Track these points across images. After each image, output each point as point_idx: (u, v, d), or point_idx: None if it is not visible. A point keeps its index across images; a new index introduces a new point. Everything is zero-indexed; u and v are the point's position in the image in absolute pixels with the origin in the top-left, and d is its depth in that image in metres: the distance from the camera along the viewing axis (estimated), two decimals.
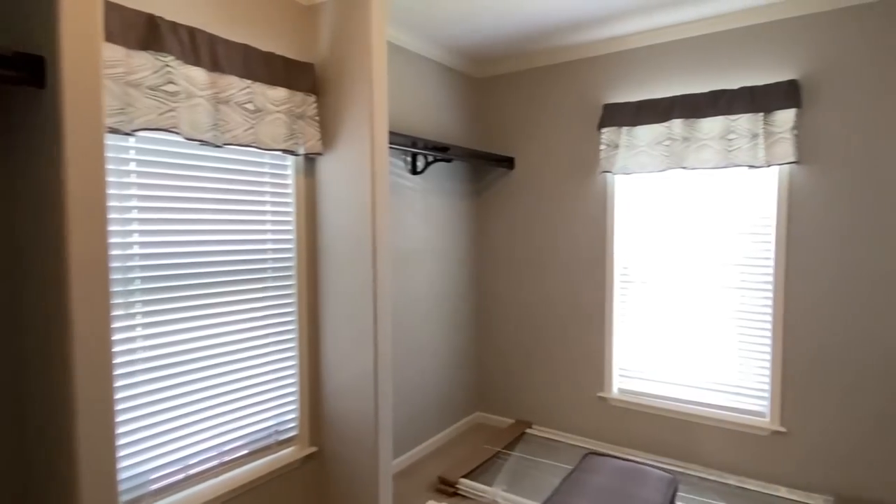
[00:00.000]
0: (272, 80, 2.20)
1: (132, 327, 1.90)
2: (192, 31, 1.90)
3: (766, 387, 2.93)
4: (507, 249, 3.85)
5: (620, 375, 3.43)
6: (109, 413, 1.44)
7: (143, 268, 1.92)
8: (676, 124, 2.99)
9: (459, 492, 2.91)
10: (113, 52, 1.66)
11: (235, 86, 2.05)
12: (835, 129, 2.68)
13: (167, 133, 1.87)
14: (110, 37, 1.66)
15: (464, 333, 3.89)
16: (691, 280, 3.14)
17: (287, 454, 2.48)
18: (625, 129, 3.19)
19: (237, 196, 2.24)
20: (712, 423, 3.07)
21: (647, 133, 3.11)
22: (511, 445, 3.50)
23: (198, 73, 1.92)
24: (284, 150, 2.27)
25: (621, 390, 3.43)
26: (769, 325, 2.91)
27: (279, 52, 2.33)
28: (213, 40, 1.98)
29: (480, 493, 2.85)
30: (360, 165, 2.33)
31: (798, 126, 2.75)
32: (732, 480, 2.95)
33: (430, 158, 3.30)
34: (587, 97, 3.43)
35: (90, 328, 1.38)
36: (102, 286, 1.40)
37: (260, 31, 2.26)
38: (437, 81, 3.52)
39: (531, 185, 3.71)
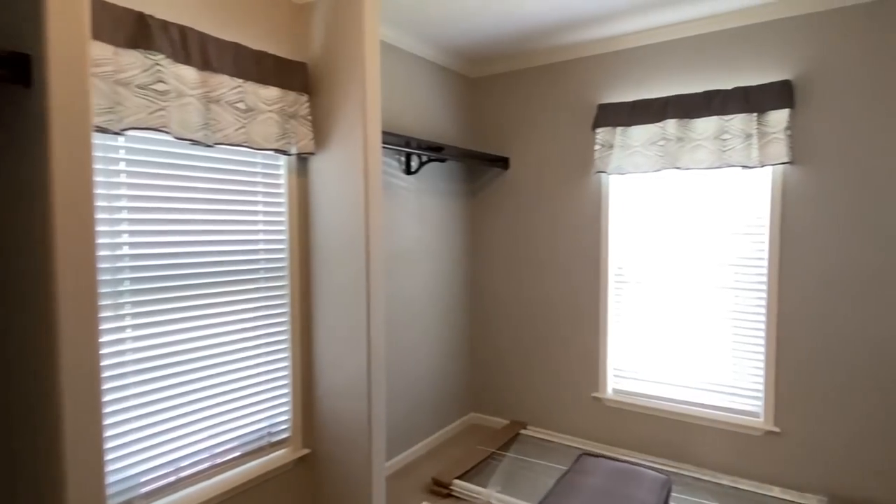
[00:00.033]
0: (264, 80, 2.18)
1: (122, 328, 1.88)
2: (182, 30, 1.88)
3: (760, 387, 2.93)
4: (501, 250, 3.85)
5: (615, 376, 3.43)
6: (97, 415, 1.42)
7: (132, 268, 1.90)
8: (671, 124, 2.98)
9: (453, 493, 2.90)
10: (101, 51, 1.64)
11: (226, 85, 2.04)
12: (827, 129, 2.69)
13: (157, 132, 1.85)
14: (99, 35, 1.64)
15: (458, 334, 3.88)
16: (685, 280, 3.14)
17: (280, 456, 2.46)
18: (619, 129, 3.18)
19: (229, 196, 2.22)
20: (706, 424, 3.07)
21: (641, 133, 3.11)
22: (506, 446, 3.49)
23: (188, 72, 1.90)
24: (276, 150, 2.25)
25: (616, 390, 3.43)
26: (763, 326, 2.91)
27: (271, 50, 2.31)
28: (203, 39, 1.96)
29: (474, 495, 2.84)
30: (353, 165, 2.31)
31: (791, 126, 2.76)
32: (726, 480, 2.95)
33: (425, 158, 3.29)
34: (582, 97, 3.43)
35: (77, 329, 1.37)
36: (90, 286, 1.39)
37: (252, 29, 2.24)
38: (432, 81, 3.51)
39: (526, 186, 3.70)
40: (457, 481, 2.92)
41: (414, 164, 3.30)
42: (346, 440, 2.43)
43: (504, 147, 3.79)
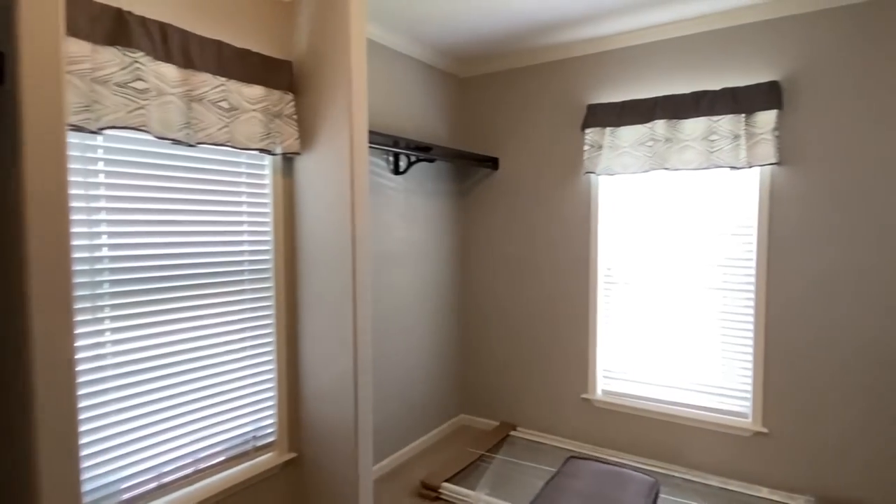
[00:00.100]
0: (248, 78, 2.15)
1: (101, 332, 1.84)
2: (162, 27, 1.85)
3: (748, 388, 2.94)
4: (491, 250, 3.83)
5: (604, 377, 3.42)
6: (72, 421, 1.38)
7: (112, 270, 1.86)
8: (659, 125, 2.98)
9: (442, 496, 2.88)
10: (78, 48, 1.60)
11: (209, 83, 2.00)
12: (815, 130, 2.70)
13: (137, 132, 1.82)
14: (75, 32, 1.60)
15: (447, 335, 3.86)
16: (674, 281, 3.13)
17: (265, 460, 2.43)
18: (608, 129, 3.18)
19: (212, 196, 2.19)
20: (695, 425, 3.07)
21: (630, 134, 3.10)
22: (495, 448, 3.47)
23: (169, 70, 1.86)
24: (261, 150, 2.22)
25: (605, 392, 3.42)
26: (751, 326, 2.91)
27: (255, 48, 2.28)
28: (185, 36, 1.92)
29: (463, 498, 2.82)
30: (339, 165, 2.28)
31: (779, 127, 2.76)
32: (715, 481, 2.95)
33: (413, 158, 3.26)
34: (571, 97, 3.42)
35: (51, 331, 1.33)
36: (64, 289, 1.35)
37: (235, 26, 2.21)
38: (420, 80, 3.48)
39: (515, 186, 3.68)
40: (445, 484, 2.90)
41: (402, 164, 3.27)
42: (333, 443, 2.40)
43: (493, 147, 3.77)
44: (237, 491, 2.29)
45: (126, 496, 1.95)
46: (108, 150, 1.83)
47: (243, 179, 2.31)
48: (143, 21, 1.78)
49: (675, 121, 2.95)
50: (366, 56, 2.28)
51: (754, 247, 2.89)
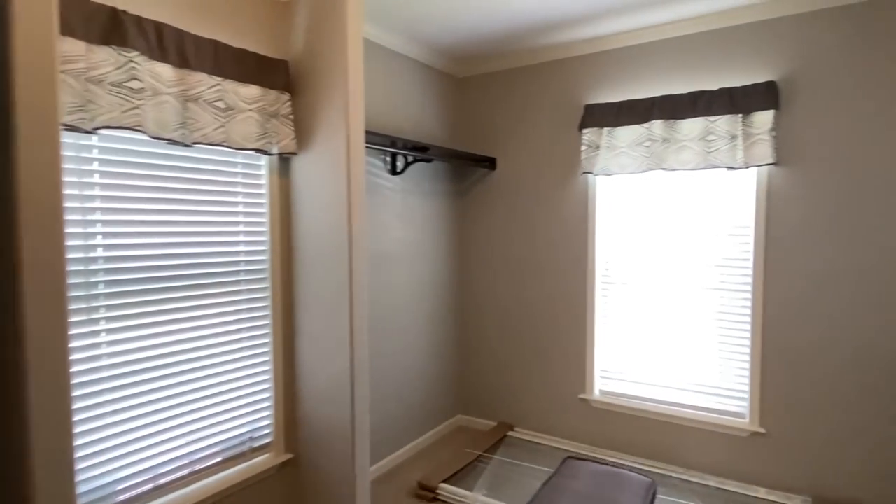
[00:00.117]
0: (244, 78, 2.14)
1: (96, 332, 1.83)
2: (158, 26, 1.84)
3: (746, 388, 2.94)
4: (488, 250, 3.82)
5: (602, 377, 3.42)
6: (67, 422, 1.37)
7: (107, 271, 1.85)
8: (657, 125, 2.98)
9: (439, 497, 2.87)
10: (73, 47, 1.60)
11: (205, 83, 1.99)
12: (812, 130, 2.70)
13: (132, 132, 1.81)
14: (70, 31, 1.59)
15: (445, 335, 3.85)
16: (672, 281, 3.13)
17: (262, 461, 2.42)
18: (606, 129, 3.17)
19: (208, 196, 2.18)
20: (693, 425, 3.07)
21: (627, 134, 3.10)
22: (493, 449, 3.47)
23: (164, 70, 1.85)
24: (257, 150, 2.21)
25: (603, 392, 3.42)
26: (748, 327, 2.91)
27: (251, 48, 2.27)
28: (181, 35, 1.91)
29: (460, 498, 2.81)
30: (336, 165, 2.27)
31: (776, 127, 2.76)
32: (712, 482, 2.95)
33: (410, 158, 3.26)
34: (569, 97, 3.41)
35: (45, 332, 1.32)
36: (58, 290, 1.34)
37: (231, 26, 2.20)
38: (418, 80, 3.48)
39: (513, 186, 3.68)
40: (443, 485, 2.89)
41: (399, 164, 3.27)
42: (330, 444, 2.39)
43: (491, 147, 3.77)
44: (234, 492, 2.28)
45: (122, 497, 1.94)
46: (103, 150, 1.82)
47: (239, 179, 2.30)
48: (139, 20, 1.77)
49: (672, 121, 2.95)
50: (363, 56, 2.28)
51: (751, 247, 2.89)
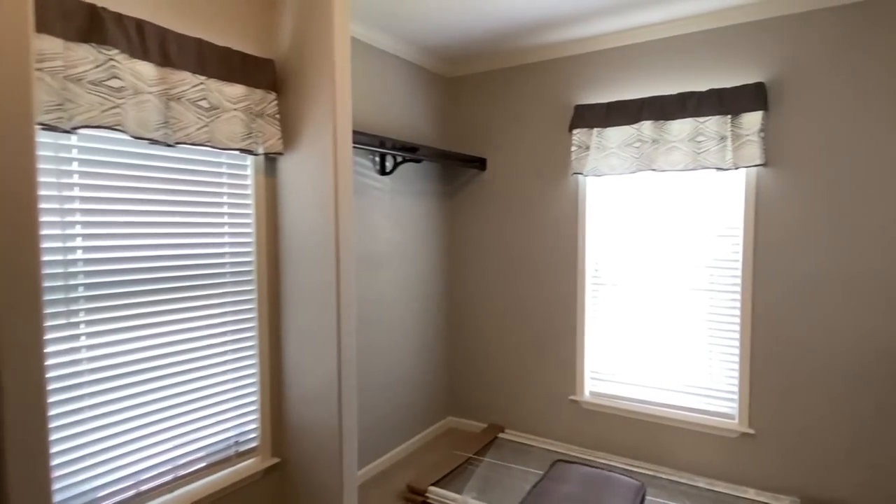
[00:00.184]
0: (229, 77, 2.10)
1: (76, 337, 1.79)
2: (139, 24, 1.80)
3: (735, 389, 2.94)
4: (478, 251, 3.81)
5: (592, 378, 3.41)
6: (42, 428, 1.33)
7: (87, 273, 1.81)
8: (646, 126, 2.97)
9: (428, 500, 2.85)
10: (50, 45, 1.56)
11: (188, 82, 1.95)
12: (800, 132, 2.70)
13: (112, 131, 1.77)
14: (47, 28, 1.55)
15: (434, 337, 3.83)
16: (661, 282, 3.13)
17: (248, 466, 2.38)
18: (596, 130, 3.16)
19: (192, 197, 2.14)
20: (682, 426, 3.06)
21: (617, 135, 3.09)
22: (482, 451, 3.45)
23: (146, 68, 1.82)
24: (242, 150, 2.17)
25: (593, 393, 3.41)
26: (737, 328, 2.91)
27: (236, 46, 2.23)
28: (163, 33, 1.88)
29: (450, 502, 2.79)
30: (322, 165, 2.25)
31: (765, 129, 2.76)
32: (702, 483, 2.94)
33: (399, 159, 3.23)
34: (559, 98, 3.40)
35: (19, 340, 1.28)
36: (33, 294, 1.30)
37: (215, 24, 2.16)
38: (407, 80, 3.45)
39: (503, 187, 3.67)
40: (432, 488, 2.87)
41: (388, 164, 3.24)
42: (317, 448, 2.36)
43: (481, 148, 3.75)
44: (218, 498, 2.24)
45: None
46: (82, 149, 1.78)
47: (224, 180, 2.26)
48: (119, 18, 1.74)
49: (661, 122, 2.95)
50: (350, 55, 2.25)
51: (741, 248, 2.89)
